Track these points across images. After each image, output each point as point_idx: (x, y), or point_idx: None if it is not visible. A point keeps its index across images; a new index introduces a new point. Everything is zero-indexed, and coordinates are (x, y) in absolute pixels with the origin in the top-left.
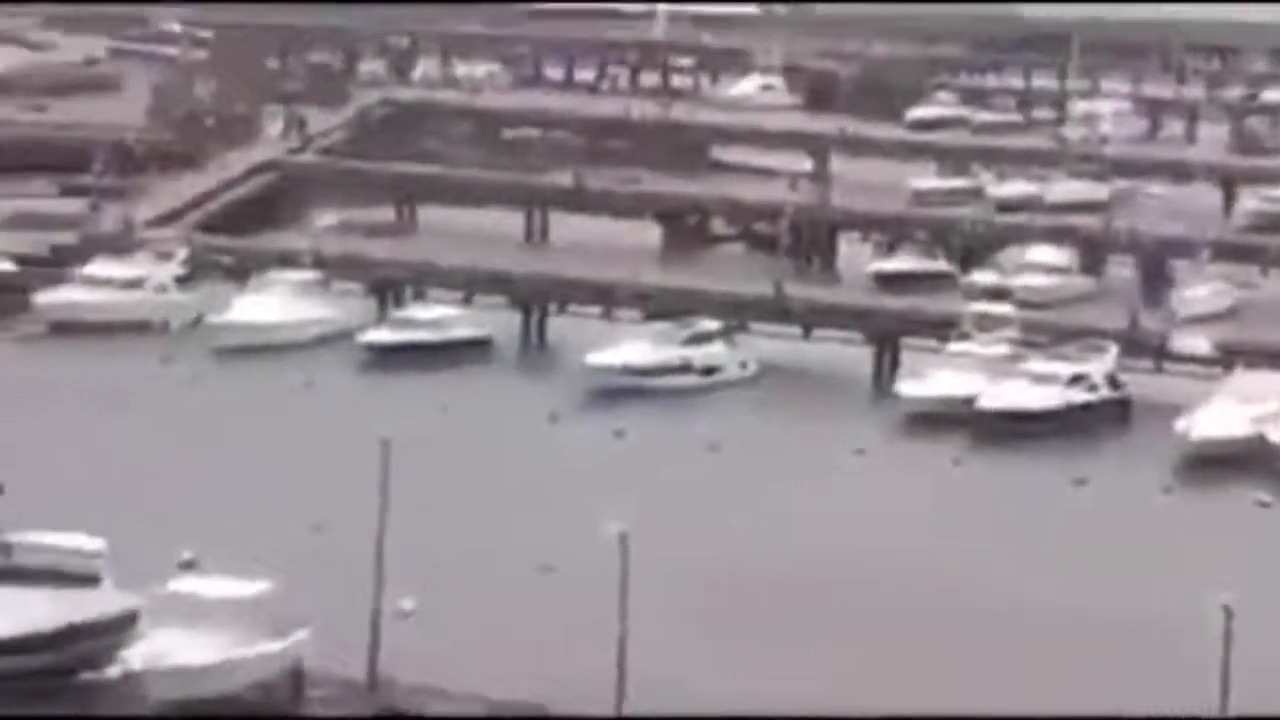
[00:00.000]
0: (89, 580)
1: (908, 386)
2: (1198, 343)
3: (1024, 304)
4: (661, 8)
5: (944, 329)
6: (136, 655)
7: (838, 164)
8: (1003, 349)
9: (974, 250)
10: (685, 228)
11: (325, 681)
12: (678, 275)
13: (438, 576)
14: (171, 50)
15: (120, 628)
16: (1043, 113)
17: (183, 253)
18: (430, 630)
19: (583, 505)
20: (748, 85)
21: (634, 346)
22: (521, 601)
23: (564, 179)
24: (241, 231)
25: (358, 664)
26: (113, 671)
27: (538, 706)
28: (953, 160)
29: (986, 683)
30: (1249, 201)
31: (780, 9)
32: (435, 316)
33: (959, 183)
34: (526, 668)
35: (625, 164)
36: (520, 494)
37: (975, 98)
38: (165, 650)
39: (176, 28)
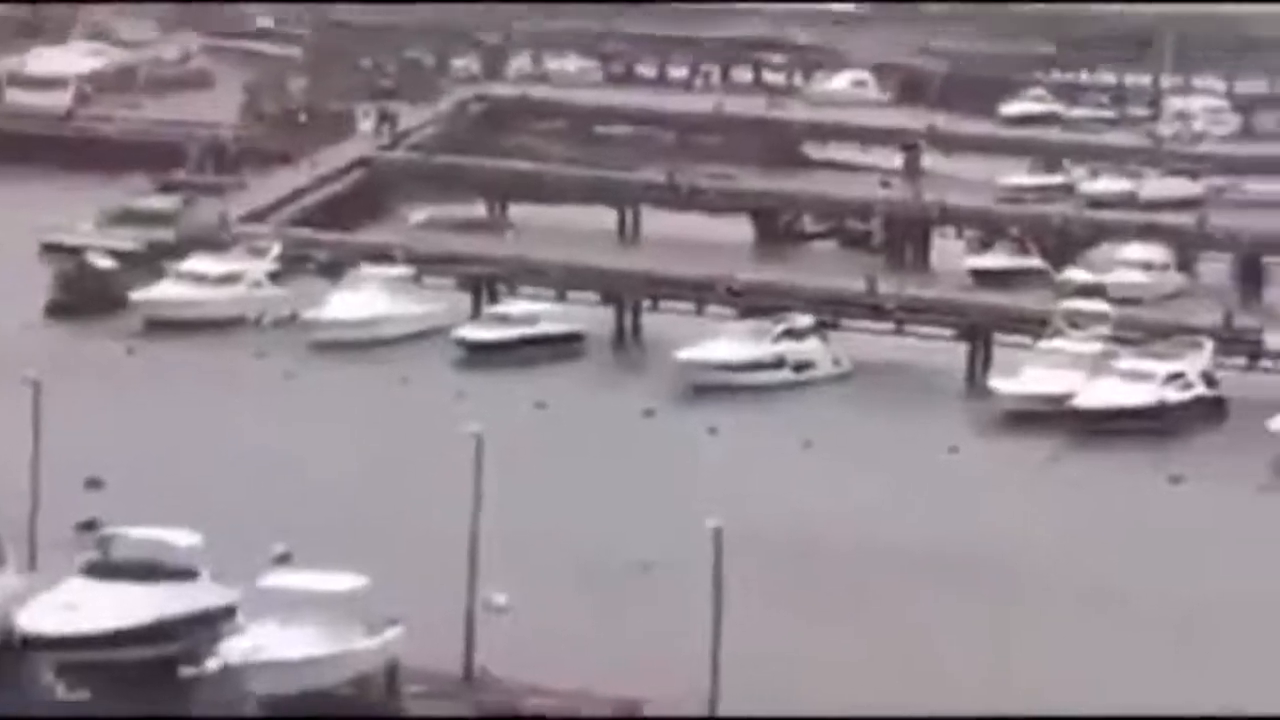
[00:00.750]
0: (186, 574)
1: (1001, 383)
2: None
3: (1118, 301)
4: (757, 5)
5: (1037, 325)
6: (234, 649)
7: (930, 160)
8: (1096, 346)
9: (1067, 247)
10: (778, 224)
11: (420, 677)
12: (770, 271)
13: (533, 572)
14: (266, 47)
15: (218, 621)
16: (1136, 109)
17: (276, 248)
18: (525, 626)
19: (677, 501)
20: (840, 81)
21: (727, 343)
22: (617, 597)
23: (657, 175)
24: (335, 227)
25: (452, 659)
26: (210, 665)
27: (633, 702)
28: (1045, 156)
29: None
30: None
31: (868, 6)
32: (528, 312)
33: (1052, 179)
34: (622, 663)
35: (718, 160)
36: (615, 490)
37: (1068, 94)
38: (262, 644)
39: (270, 24)
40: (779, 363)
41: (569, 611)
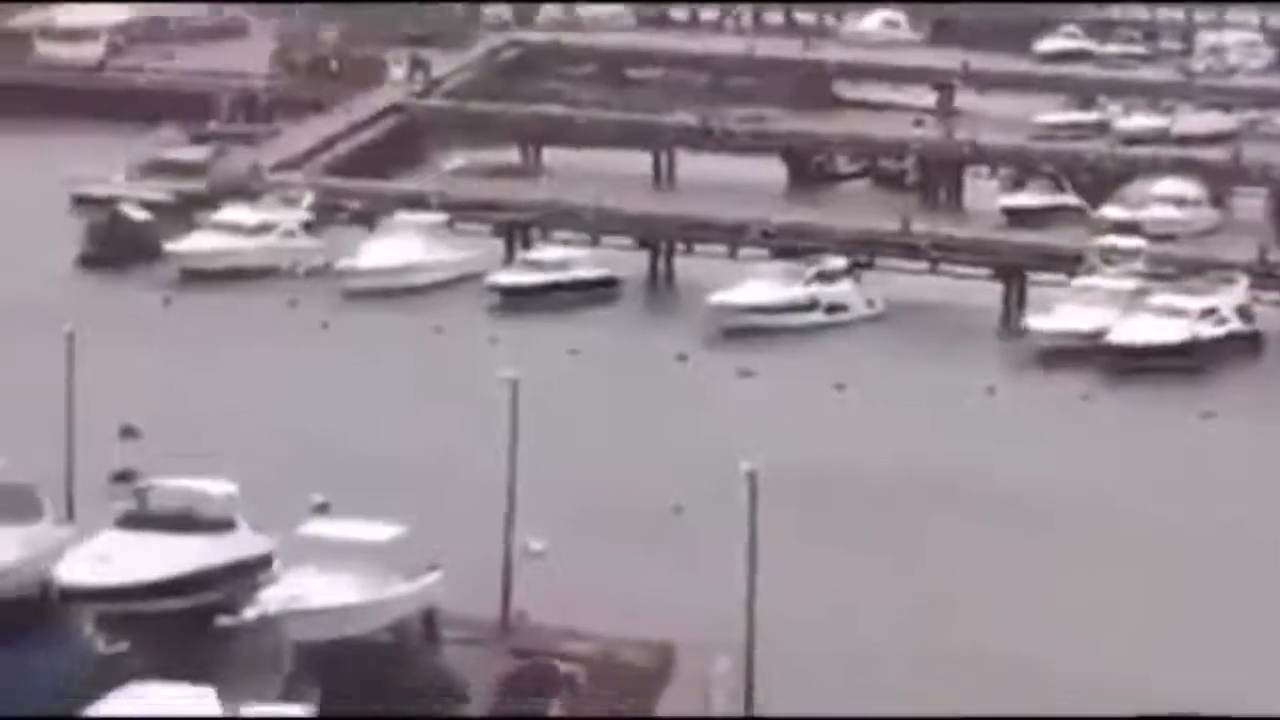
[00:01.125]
0: (223, 525)
1: (1036, 321)
2: None
3: (1152, 237)
4: None
5: (1072, 263)
6: (271, 598)
7: (963, 99)
8: (1131, 283)
9: (1102, 184)
10: (810, 165)
11: (458, 623)
12: (803, 213)
13: (568, 517)
14: None
15: (255, 571)
16: (1170, 44)
17: (309, 197)
18: (561, 571)
19: (711, 444)
20: (872, 21)
21: (760, 285)
22: (652, 541)
23: (689, 118)
24: (368, 175)
25: (490, 605)
26: (249, 614)
27: (667, 645)
28: (1079, 94)
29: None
30: None
31: None
32: (563, 257)
33: (1085, 116)
34: (656, 607)
35: (750, 102)
36: (649, 434)
37: (1101, 30)
38: (300, 593)
39: None
40: (812, 305)
41: (604, 556)
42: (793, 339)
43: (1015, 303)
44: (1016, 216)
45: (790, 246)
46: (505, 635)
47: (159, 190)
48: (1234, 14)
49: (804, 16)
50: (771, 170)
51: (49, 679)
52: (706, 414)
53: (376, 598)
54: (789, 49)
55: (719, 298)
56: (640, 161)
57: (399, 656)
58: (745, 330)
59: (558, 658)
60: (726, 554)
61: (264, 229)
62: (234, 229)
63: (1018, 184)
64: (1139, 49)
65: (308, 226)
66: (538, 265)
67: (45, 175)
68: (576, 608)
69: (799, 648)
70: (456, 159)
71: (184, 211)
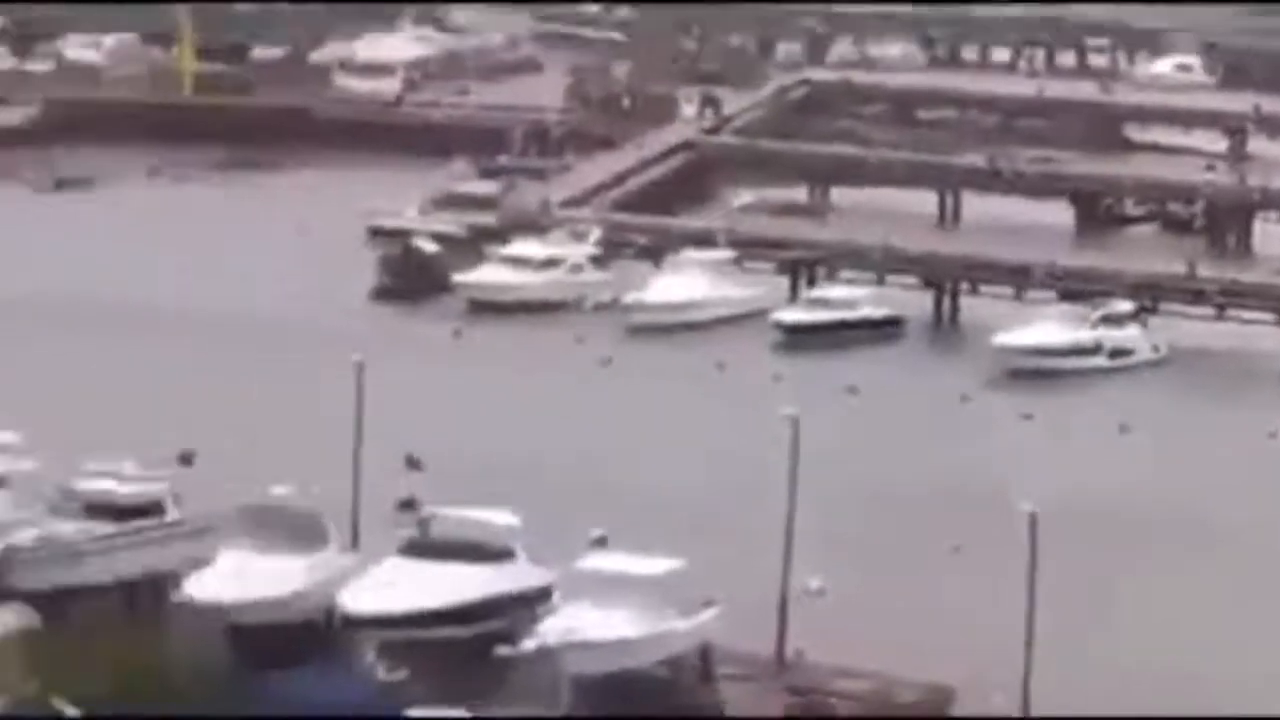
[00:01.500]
0: (504, 555)
1: None
2: None
3: None
4: None
5: None
6: (550, 630)
7: (1255, 144)
8: None
9: None
10: (1099, 208)
11: (734, 659)
12: (1091, 256)
13: (846, 556)
14: (591, 32)
15: (534, 602)
16: None
17: (598, 232)
18: (838, 610)
19: (992, 486)
20: (1164, 64)
21: (1045, 327)
22: (931, 582)
23: (978, 159)
24: (656, 211)
25: (765, 642)
26: (527, 645)
27: (946, 689)
28: None
29: None
30: None
31: None
32: (848, 296)
33: None
34: (935, 649)
35: (1040, 144)
36: (929, 473)
37: None
38: (578, 625)
39: (596, 9)
40: (1097, 348)
41: (882, 595)
42: (1077, 382)
43: None
44: None
45: (1076, 289)
46: (781, 673)
47: (450, 223)
48: None
49: (1096, 59)
50: (1059, 213)
51: (331, 705)
52: (988, 454)
53: (653, 632)
54: (1080, 91)
55: (1003, 339)
56: (926, 201)
57: (675, 691)
58: (1029, 372)
59: (833, 696)
60: (1005, 594)
61: (552, 263)
62: (523, 262)
63: None
64: None
65: (595, 261)
66: (823, 303)
67: (342, 207)
68: (853, 646)
69: (1077, 691)
70: (744, 196)
71: (474, 244)
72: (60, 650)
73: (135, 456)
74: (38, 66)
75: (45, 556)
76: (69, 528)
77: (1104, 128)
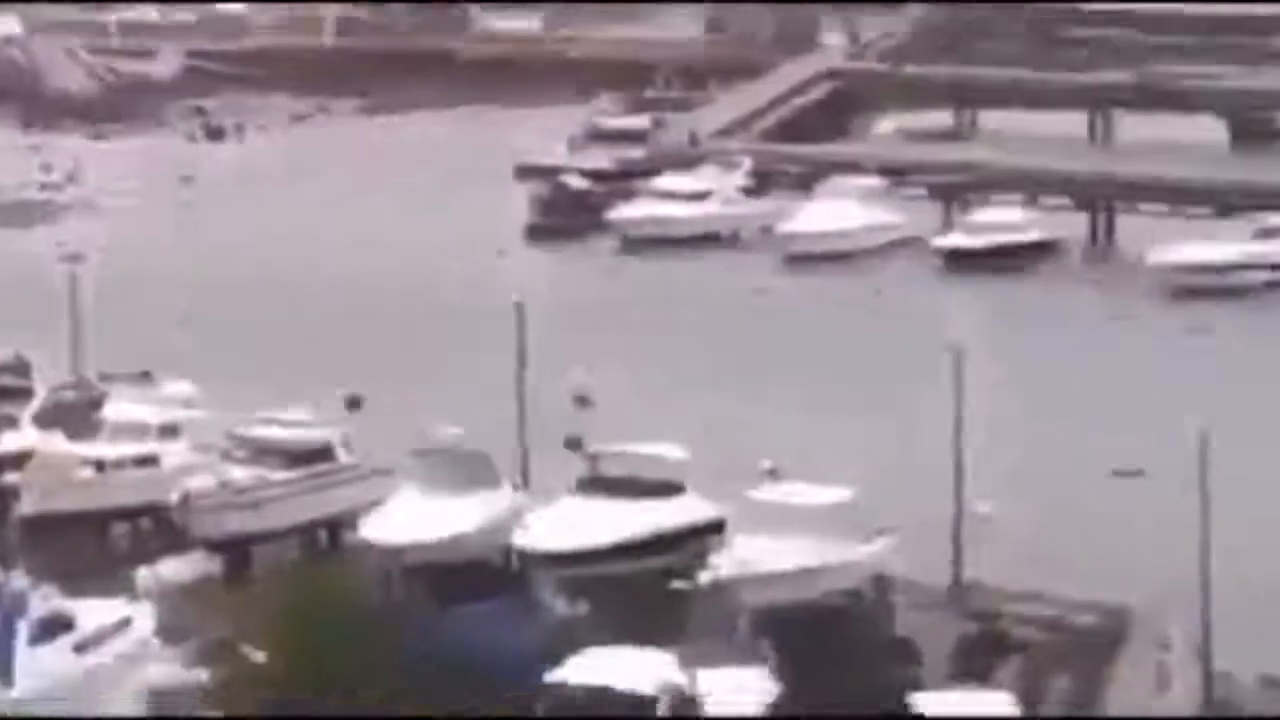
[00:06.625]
0: (674, 489)
1: None
2: None
3: None
4: None
5: None
6: (724, 562)
7: None
8: None
9: None
10: (1252, 122)
11: (910, 587)
12: (1246, 171)
13: (1013, 481)
14: None
15: (707, 535)
16: None
17: (747, 163)
18: (1010, 535)
19: (1158, 406)
20: None
21: (1202, 244)
22: (1099, 504)
23: (1126, 77)
24: (804, 140)
25: (940, 569)
26: (703, 578)
27: (1121, 609)
28: None
29: None
30: None
31: None
32: (1005, 220)
33: None
34: (1107, 571)
35: (1189, 59)
36: (1094, 396)
37: None
38: (752, 557)
39: None
40: (1255, 263)
41: (1052, 518)
42: (1237, 297)
43: None
44: None
45: (1233, 205)
46: (956, 599)
47: (600, 159)
48: None
49: None
50: (1212, 129)
51: (513, 642)
52: (1151, 375)
53: (828, 562)
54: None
55: (1161, 257)
56: (1076, 122)
57: (852, 621)
58: (1189, 290)
59: (1010, 621)
60: (1178, 516)
61: (703, 196)
62: (674, 196)
63: None
64: None
65: (746, 192)
66: (982, 228)
67: (490, 146)
68: (1027, 571)
69: (1258, 611)
70: (890, 122)
71: (624, 180)
72: (242, 596)
73: (304, 402)
74: (185, 17)
75: (223, 504)
76: (243, 474)
77: (1255, 40)
